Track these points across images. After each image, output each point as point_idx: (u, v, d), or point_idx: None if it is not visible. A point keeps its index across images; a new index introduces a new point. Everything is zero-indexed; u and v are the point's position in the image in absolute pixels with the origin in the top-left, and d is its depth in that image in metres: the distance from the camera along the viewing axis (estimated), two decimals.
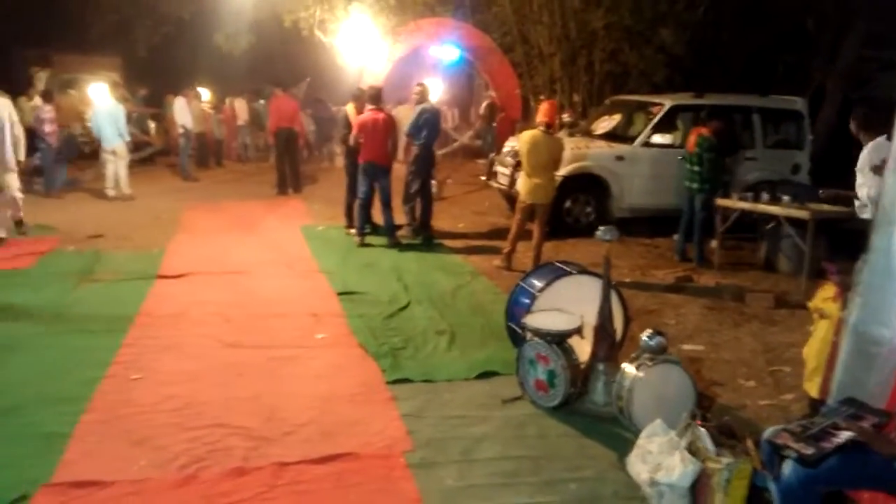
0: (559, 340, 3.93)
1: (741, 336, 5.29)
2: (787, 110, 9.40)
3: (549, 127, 6.94)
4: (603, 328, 3.94)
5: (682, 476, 2.95)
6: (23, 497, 3.01)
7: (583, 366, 3.99)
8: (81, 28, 17.33)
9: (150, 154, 14.89)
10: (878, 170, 5.02)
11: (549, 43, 13.25)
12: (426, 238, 8.22)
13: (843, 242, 5.04)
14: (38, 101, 11.44)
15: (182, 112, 13.09)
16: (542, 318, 4.06)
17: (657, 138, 8.79)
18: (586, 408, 3.93)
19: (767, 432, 2.77)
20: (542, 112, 6.99)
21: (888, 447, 2.50)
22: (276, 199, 11.17)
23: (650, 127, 8.82)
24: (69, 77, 14.94)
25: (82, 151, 12.22)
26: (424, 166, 8.31)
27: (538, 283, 4.38)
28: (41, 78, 14.51)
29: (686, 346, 4.99)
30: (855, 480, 2.61)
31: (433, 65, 15.37)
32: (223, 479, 3.19)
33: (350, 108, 8.58)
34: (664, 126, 8.86)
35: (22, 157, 7.78)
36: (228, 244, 7.86)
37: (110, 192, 10.65)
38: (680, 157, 8.00)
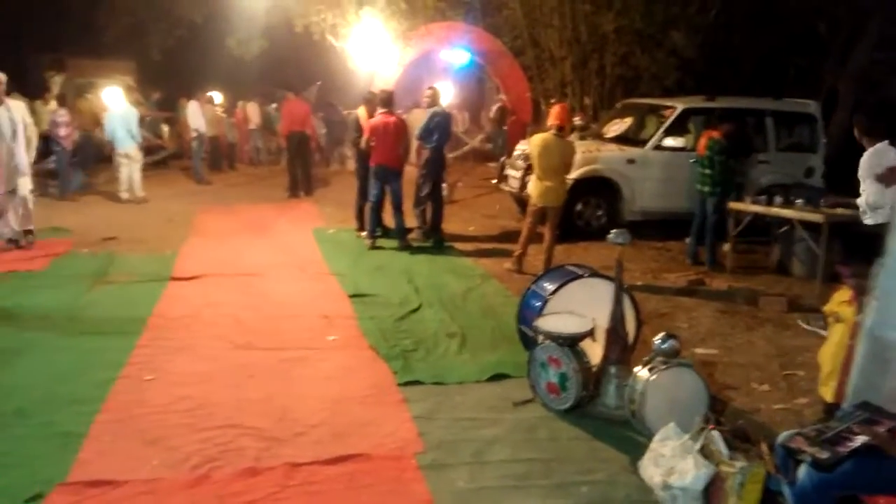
0: (571, 343, 3.93)
1: (754, 340, 5.26)
2: (800, 113, 9.34)
3: (561, 130, 6.93)
4: (615, 331, 3.93)
5: (696, 480, 2.93)
6: (38, 496, 3.04)
7: (594, 369, 3.98)
8: (95, 32, 17.49)
9: (163, 157, 15.02)
10: (881, 178, 4.99)
11: (560, 46, 13.25)
12: (437, 241, 8.23)
13: (858, 246, 4.99)
14: (54, 104, 11.55)
15: (195, 116, 13.19)
16: (553, 321, 4.05)
17: (669, 141, 8.75)
18: (598, 411, 3.92)
19: (782, 436, 2.76)
20: (554, 115, 6.99)
21: None
22: (287, 202, 11.23)
23: (662, 130, 8.79)
24: (84, 81, 15.09)
25: (102, 155, 12.24)
26: (435, 169, 8.32)
27: (550, 286, 4.37)
28: (56, 82, 14.66)
29: (699, 350, 4.96)
30: (870, 485, 2.59)
31: (444, 69, 15.41)
32: (235, 479, 3.20)
33: (361, 112, 8.62)
34: (676, 129, 8.83)
35: (31, 158, 7.82)
36: (241, 247, 7.90)
37: (124, 195, 10.74)
38: (692, 161, 7.97)
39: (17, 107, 7.31)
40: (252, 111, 16.17)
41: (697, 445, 3.05)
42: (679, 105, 8.96)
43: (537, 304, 4.34)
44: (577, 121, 11.56)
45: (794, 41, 12.91)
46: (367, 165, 8.10)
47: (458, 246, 8.18)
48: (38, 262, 6.99)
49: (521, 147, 9.40)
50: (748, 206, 7.11)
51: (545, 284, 4.46)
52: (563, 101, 11.88)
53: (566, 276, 4.40)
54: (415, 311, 5.74)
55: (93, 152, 12.25)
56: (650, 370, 3.61)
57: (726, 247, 7.37)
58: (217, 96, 15.55)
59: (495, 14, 15.14)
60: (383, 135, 7.80)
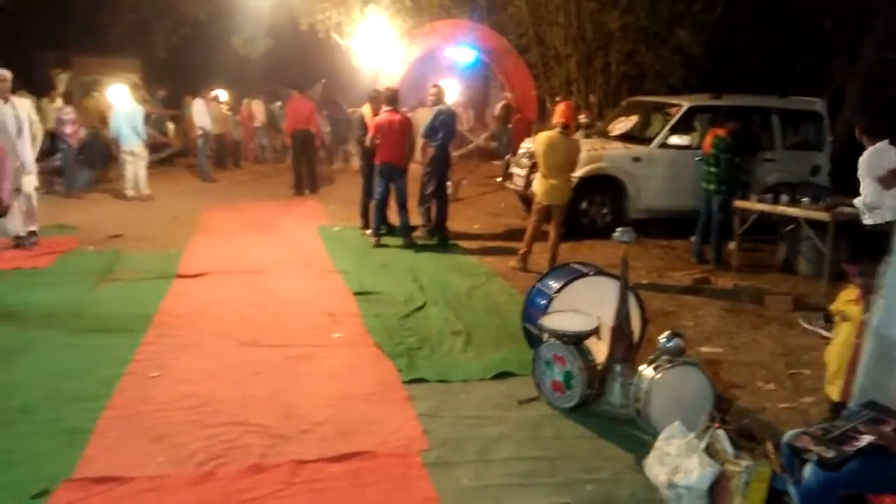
0: (576, 341, 3.92)
1: (760, 338, 5.25)
2: (806, 111, 9.30)
3: (566, 128, 6.92)
4: (620, 329, 3.92)
5: (701, 478, 2.93)
6: (45, 492, 3.05)
7: (600, 367, 3.97)
8: (100, 30, 17.53)
9: (168, 155, 15.04)
10: (883, 181, 4.96)
11: (565, 44, 13.21)
12: (441, 239, 8.23)
13: (865, 244, 4.98)
14: (59, 102, 11.59)
15: (201, 113, 13.21)
16: (559, 319, 4.04)
17: (674, 139, 8.73)
18: (603, 409, 3.91)
19: (787, 435, 2.75)
20: (559, 113, 6.97)
21: None
22: (292, 200, 11.24)
23: (667, 128, 8.76)
24: (90, 79, 15.13)
25: (110, 154, 12.23)
26: (440, 168, 8.32)
27: (555, 284, 4.37)
28: (62, 80, 14.71)
29: (704, 349, 4.95)
30: (876, 484, 2.59)
31: (449, 66, 15.39)
32: (241, 476, 3.21)
33: (366, 110, 8.62)
34: (681, 127, 8.80)
35: (35, 155, 7.81)
36: (246, 244, 7.92)
37: (129, 193, 10.77)
38: (697, 159, 7.95)
39: (23, 104, 7.33)
40: (257, 109, 16.19)
41: (703, 444, 3.04)
42: (685, 103, 8.94)
43: (542, 302, 4.33)
44: (582, 119, 11.54)
45: (800, 39, 12.85)
46: (372, 163, 8.10)
47: (463, 244, 8.18)
48: (44, 259, 7.01)
49: (526, 145, 9.39)
50: (754, 205, 7.08)
51: (550, 282, 4.45)
52: (568, 98, 11.86)
53: (571, 275, 4.40)
54: (419, 308, 5.74)
55: (100, 151, 12.27)
56: (655, 369, 3.61)
57: (732, 245, 7.35)
58: (222, 94, 15.55)
59: (500, 12, 15.10)
60: (388, 133, 7.80)
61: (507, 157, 10.78)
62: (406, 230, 8.04)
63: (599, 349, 4.03)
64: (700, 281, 6.75)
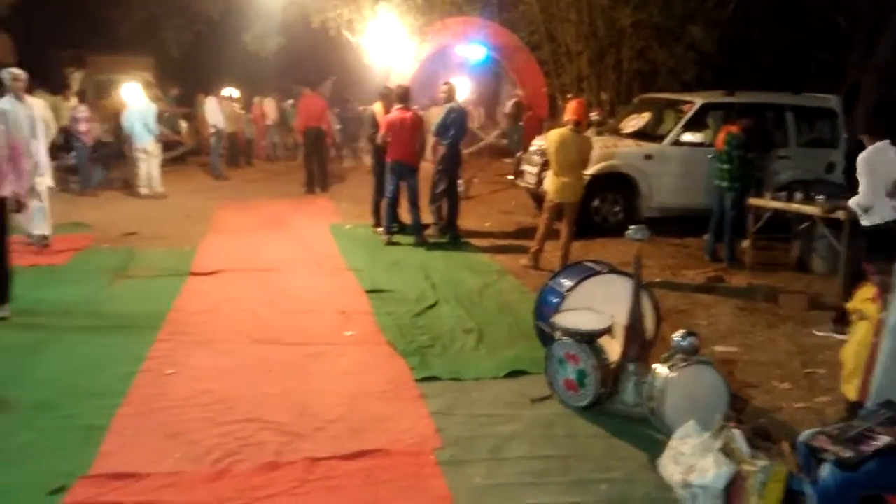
0: (589, 340, 3.91)
1: (775, 337, 5.21)
2: (820, 108, 9.21)
3: (578, 125, 6.89)
4: (634, 328, 3.91)
5: (716, 478, 2.91)
6: (62, 488, 3.08)
7: (613, 366, 3.96)
8: (113, 28, 17.66)
9: (181, 153, 15.13)
10: (891, 194, 4.91)
11: (577, 41, 13.15)
12: (453, 237, 8.22)
13: (882, 243, 4.92)
14: (74, 101, 11.68)
15: (213, 112, 13.27)
16: (572, 318, 4.04)
17: (687, 137, 8.68)
18: (616, 408, 3.90)
19: (804, 435, 2.73)
20: (571, 110, 6.95)
21: None
22: (304, 198, 11.28)
23: (680, 125, 8.71)
24: (103, 77, 15.23)
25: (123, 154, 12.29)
26: (451, 165, 8.31)
27: (567, 283, 4.35)
28: (76, 78, 14.81)
29: (719, 348, 4.92)
30: (894, 484, 2.56)
31: (460, 64, 15.37)
32: (256, 473, 3.23)
33: (378, 107, 8.62)
34: (694, 124, 8.74)
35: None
36: (258, 242, 7.95)
37: (143, 191, 10.85)
38: (710, 156, 7.89)
39: (38, 104, 7.38)
40: (269, 107, 16.24)
41: (718, 444, 3.03)
42: (698, 100, 8.88)
43: (555, 301, 4.32)
44: (593, 116, 11.50)
45: (814, 35, 12.73)
46: (383, 161, 8.11)
47: (474, 242, 8.17)
48: (60, 256, 7.08)
49: (538, 142, 9.37)
50: (768, 202, 7.03)
51: (563, 280, 4.44)
52: (579, 96, 11.83)
53: (584, 273, 4.38)
54: (431, 307, 5.74)
55: (116, 151, 12.33)
56: (670, 367, 3.59)
57: (746, 243, 7.30)
58: (233, 92, 15.60)
59: (511, 9, 15.07)
60: (400, 131, 7.81)
61: (519, 154, 10.76)
62: (418, 228, 8.04)
63: (613, 348, 4.01)
64: (714, 279, 6.71)
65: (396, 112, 7.87)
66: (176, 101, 16.90)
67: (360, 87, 16.69)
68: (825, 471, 2.59)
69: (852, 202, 5.22)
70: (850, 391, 3.60)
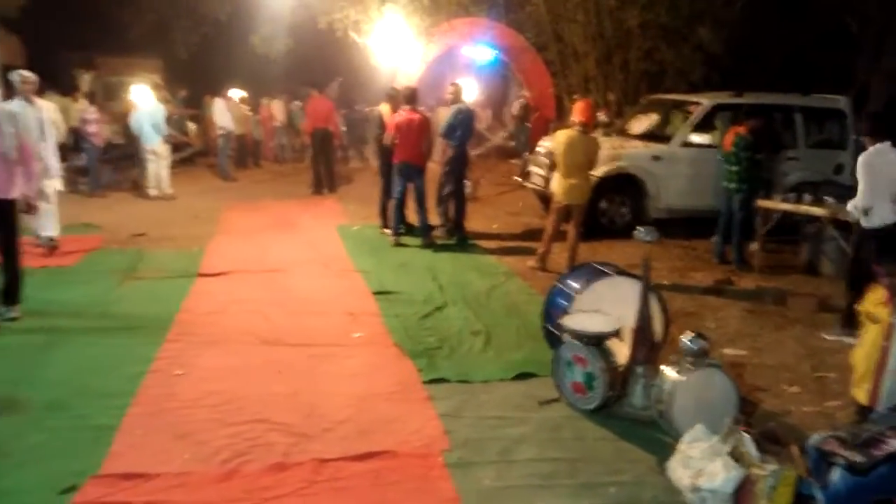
0: (597, 342, 3.90)
1: (784, 340, 5.19)
2: (829, 109, 9.17)
3: (586, 126, 6.88)
4: (642, 330, 3.90)
5: (725, 482, 2.90)
6: (72, 487, 3.09)
7: (621, 369, 3.95)
8: (122, 30, 17.74)
9: (189, 154, 15.19)
10: None
11: (584, 42, 13.14)
12: (460, 238, 8.22)
13: (892, 245, 4.90)
14: (83, 102, 11.74)
15: (222, 113, 13.30)
16: (580, 320, 4.03)
17: (695, 138, 8.66)
18: (624, 411, 3.89)
19: (815, 439, 2.72)
20: (579, 111, 6.94)
21: None
22: (311, 199, 11.31)
23: (688, 126, 8.69)
24: (112, 79, 15.31)
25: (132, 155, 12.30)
26: (458, 167, 8.31)
27: (575, 285, 4.35)
28: (85, 80, 14.88)
29: (727, 351, 4.90)
30: None
31: (466, 65, 15.38)
32: (264, 473, 3.24)
33: (384, 108, 8.63)
34: (702, 125, 8.72)
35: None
36: (266, 243, 7.97)
37: (152, 192, 10.89)
38: (718, 157, 7.87)
39: (47, 107, 7.40)
40: (277, 109, 16.27)
41: (727, 447, 3.02)
42: (706, 101, 8.85)
43: (563, 303, 4.32)
44: (601, 117, 11.49)
45: (823, 36, 12.68)
46: (391, 163, 8.12)
47: (482, 243, 8.17)
48: (70, 257, 7.11)
49: (545, 144, 9.36)
50: (777, 204, 7.00)
51: (571, 282, 4.43)
52: (586, 97, 11.81)
53: (592, 275, 4.38)
54: (439, 308, 5.75)
55: (127, 153, 12.37)
56: (678, 370, 3.58)
57: (754, 245, 7.27)
58: (238, 94, 15.61)
59: (518, 10, 15.07)
60: (407, 132, 7.81)
61: (526, 155, 10.74)
62: (425, 229, 8.05)
63: (621, 350, 4.00)
64: (722, 282, 6.69)
65: (404, 113, 7.88)
66: (184, 102, 16.97)
67: (366, 88, 16.72)
68: (836, 475, 2.59)
69: (850, 206, 5.21)
70: (861, 395, 3.58)
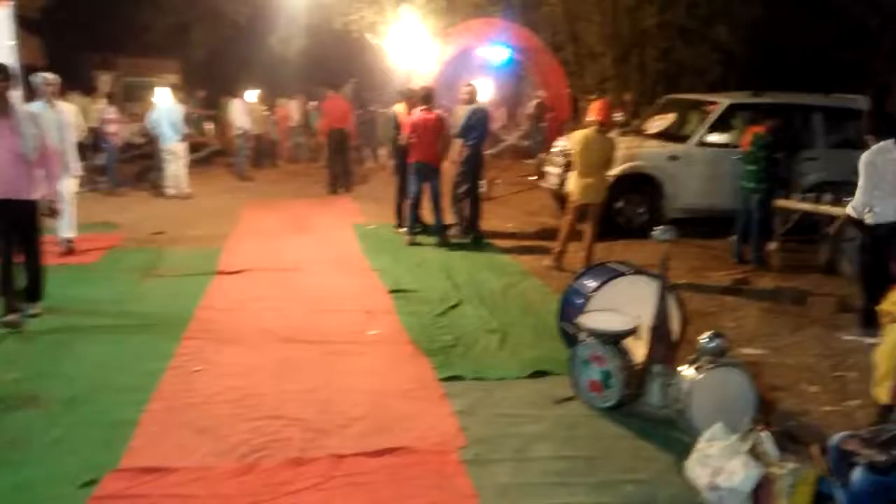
0: (615, 341, 3.89)
1: (803, 340, 5.13)
2: (849, 109, 9.06)
3: (603, 126, 6.86)
4: (659, 329, 3.88)
5: (744, 481, 2.88)
6: (93, 481, 3.13)
7: (638, 367, 3.93)
8: (141, 32, 17.94)
9: (207, 154, 15.32)
10: None
11: (600, 42, 13.12)
12: (475, 237, 8.22)
13: None
14: (102, 102, 11.89)
15: (240, 114, 13.40)
16: (597, 318, 4.02)
17: (713, 137, 8.60)
18: (641, 410, 3.87)
19: (836, 438, 2.69)
20: (595, 111, 6.92)
21: None
22: (327, 198, 11.37)
23: (706, 126, 8.64)
24: (131, 80, 15.49)
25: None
26: (474, 167, 8.31)
27: (592, 283, 4.33)
28: (105, 80, 15.07)
29: (746, 350, 4.85)
30: None
31: (482, 65, 15.38)
32: (282, 468, 3.27)
33: (400, 108, 8.66)
34: (720, 125, 8.66)
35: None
36: (283, 242, 8.03)
37: (170, 191, 11.00)
38: (736, 157, 7.81)
39: (68, 109, 7.48)
40: (293, 109, 16.37)
41: (746, 446, 3.00)
42: (724, 100, 8.79)
43: (579, 302, 4.30)
44: (617, 116, 11.43)
45: (843, 35, 12.55)
46: (406, 162, 8.13)
47: (497, 243, 8.17)
48: (90, 255, 7.20)
49: (561, 143, 9.34)
50: (796, 204, 6.94)
51: (587, 281, 4.42)
52: (602, 97, 11.78)
53: (609, 274, 4.36)
54: (454, 307, 5.75)
55: (147, 153, 12.49)
56: (697, 369, 3.56)
57: (773, 245, 7.20)
58: (253, 95, 15.71)
59: (534, 10, 15.06)
60: (423, 132, 7.83)
61: (541, 155, 10.73)
62: (440, 229, 8.06)
63: (638, 349, 3.99)
64: (740, 281, 6.63)
65: (420, 113, 7.90)
66: (201, 103, 17.13)
67: (381, 89, 16.78)
68: (857, 474, 2.56)
69: (849, 209, 5.16)
70: (882, 394, 3.54)
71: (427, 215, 8.24)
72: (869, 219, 5.01)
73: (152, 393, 4.02)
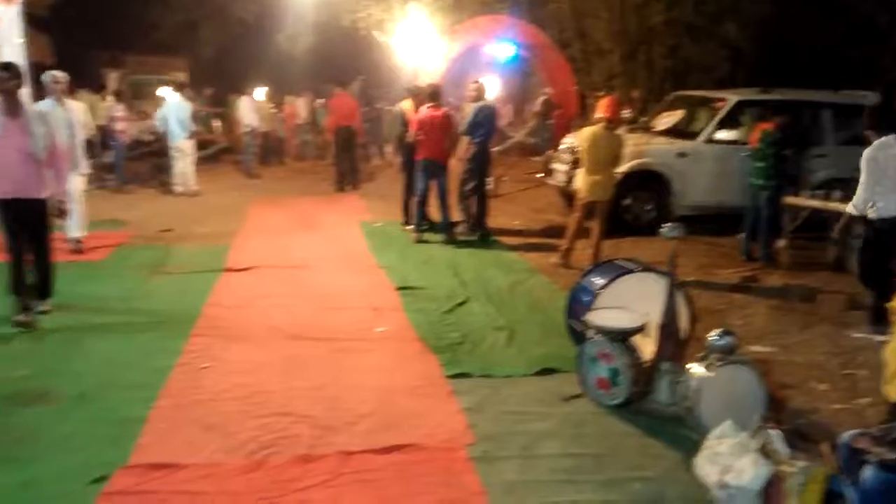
0: (623, 338, 3.88)
1: (812, 338, 5.10)
2: (858, 106, 8.98)
3: (611, 122, 6.84)
4: (668, 327, 3.86)
5: (754, 479, 2.87)
6: (102, 478, 3.14)
7: (646, 365, 3.92)
8: (149, 29, 18.01)
9: (214, 151, 15.37)
10: None
11: (608, 38, 13.08)
12: (482, 235, 8.22)
13: None
14: (110, 100, 11.94)
15: (248, 111, 13.43)
16: (605, 316, 4.01)
17: (721, 134, 8.56)
18: (650, 408, 3.86)
19: (846, 436, 2.68)
20: (603, 107, 6.89)
21: None
22: (334, 196, 11.39)
23: (714, 123, 8.60)
24: (139, 78, 15.54)
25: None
26: (480, 164, 8.30)
27: (600, 281, 4.32)
28: (113, 78, 15.13)
29: (755, 348, 4.83)
30: None
31: (489, 62, 15.35)
32: (291, 465, 3.27)
33: (407, 105, 8.65)
34: (729, 122, 8.62)
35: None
36: (291, 239, 8.05)
37: (178, 188, 11.04)
38: (745, 154, 7.77)
39: (77, 108, 7.50)
40: (300, 106, 16.39)
41: (756, 444, 2.98)
42: (733, 97, 8.75)
43: (587, 299, 4.29)
44: (625, 113, 11.40)
45: (852, 32, 12.46)
46: (413, 160, 8.13)
47: (504, 240, 8.16)
48: (98, 252, 7.23)
49: (568, 140, 9.31)
50: (804, 201, 6.89)
51: (595, 279, 4.41)
52: (609, 93, 11.74)
53: (617, 271, 4.35)
54: (462, 304, 5.75)
55: (156, 150, 12.55)
56: (706, 367, 3.54)
57: (781, 243, 7.16)
58: (260, 93, 15.75)
59: (541, 7, 15.03)
60: (430, 129, 7.82)
61: (548, 152, 10.70)
62: (447, 226, 8.06)
63: (646, 347, 3.97)
64: (749, 279, 6.60)
65: (427, 110, 7.89)
66: (209, 101, 17.18)
67: (388, 86, 16.78)
68: (867, 472, 2.54)
69: (850, 207, 5.13)
70: (892, 392, 3.51)
71: (434, 212, 8.23)
72: (872, 214, 4.98)
73: (160, 390, 4.04)
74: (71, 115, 7.05)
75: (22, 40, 7.95)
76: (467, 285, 6.27)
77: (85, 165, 7.51)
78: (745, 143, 8.00)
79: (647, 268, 4.36)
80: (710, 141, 8.54)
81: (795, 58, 12.68)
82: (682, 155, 8.50)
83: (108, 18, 17.74)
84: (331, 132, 12.62)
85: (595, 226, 6.91)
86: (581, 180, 7.00)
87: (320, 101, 16.33)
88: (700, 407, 3.49)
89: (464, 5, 14.15)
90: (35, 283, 5.23)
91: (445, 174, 8.03)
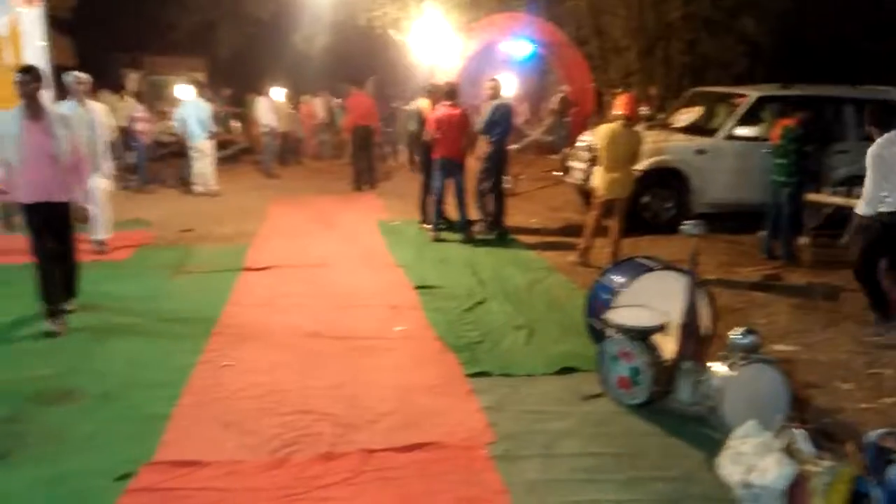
0: (643, 336, 3.86)
1: (836, 337, 5.04)
2: (881, 101, 8.86)
3: (629, 120, 6.80)
4: (689, 325, 3.83)
5: (778, 478, 2.84)
6: (127, 475, 3.18)
7: (667, 364, 3.89)
8: (168, 30, 18.18)
9: (234, 152, 15.48)
10: None
11: (625, 35, 13.00)
12: (500, 233, 8.21)
13: None
14: (131, 101, 12.06)
15: (266, 111, 13.51)
16: (625, 314, 3.99)
17: (741, 131, 8.47)
18: (671, 407, 3.83)
19: (873, 435, 2.65)
20: (621, 105, 6.85)
21: None
22: (352, 195, 11.42)
23: (734, 119, 8.51)
24: (159, 78, 15.70)
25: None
26: (497, 162, 8.29)
27: (620, 279, 4.30)
28: (133, 79, 15.29)
29: (778, 347, 4.78)
30: None
31: (505, 60, 15.31)
32: (313, 463, 3.29)
33: (424, 104, 8.65)
34: (749, 118, 8.53)
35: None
36: (309, 238, 8.09)
37: (198, 188, 11.14)
38: (765, 150, 7.69)
39: (99, 109, 7.57)
40: (317, 106, 16.46)
41: (780, 444, 2.96)
42: (754, 93, 8.66)
43: (606, 297, 4.28)
44: (643, 110, 11.32)
45: (872, 26, 12.29)
46: (430, 158, 8.14)
47: (522, 238, 8.14)
48: (122, 252, 7.32)
49: (585, 138, 9.27)
50: (826, 198, 6.81)
51: (615, 277, 4.39)
52: (627, 90, 11.67)
53: (637, 269, 4.32)
54: (480, 303, 5.74)
55: (176, 151, 12.66)
56: (729, 366, 3.52)
57: (803, 240, 7.08)
58: (278, 93, 15.84)
59: (557, 5, 14.96)
60: (448, 127, 7.82)
61: (565, 150, 10.66)
62: (464, 225, 8.06)
63: (667, 345, 3.95)
64: (770, 277, 6.53)
65: (445, 109, 7.89)
66: (228, 101, 17.31)
67: (404, 84, 16.80)
68: (894, 472, 2.51)
69: (858, 209, 5.06)
70: None
71: (451, 211, 8.24)
72: (883, 208, 4.92)
73: (183, 388, 4.08)
74: (93, 116, 7.10)
75: (45, 43, 8.05)
76: (485, 284, 6.26)
77: (109, 167, 7.59)
78: (765, 140, 7.92)
79: (667, 266, 4.33)
80: (730, 137, 8.46)
81: (814, 52, 12.53)
82: (701, 152, 8.43)
83: (128, 20, 17.93)
84: (348, 131, 12.66)
85: (614, 224, 6.88)
86: (599, 178, 6.96)
87: (338, 100, 16.40)
88: (723, 406, 3.47)
89: (480, 3, 14.14)
90: (61, 284, 5.27)
91: (463, 173, 8.03)
